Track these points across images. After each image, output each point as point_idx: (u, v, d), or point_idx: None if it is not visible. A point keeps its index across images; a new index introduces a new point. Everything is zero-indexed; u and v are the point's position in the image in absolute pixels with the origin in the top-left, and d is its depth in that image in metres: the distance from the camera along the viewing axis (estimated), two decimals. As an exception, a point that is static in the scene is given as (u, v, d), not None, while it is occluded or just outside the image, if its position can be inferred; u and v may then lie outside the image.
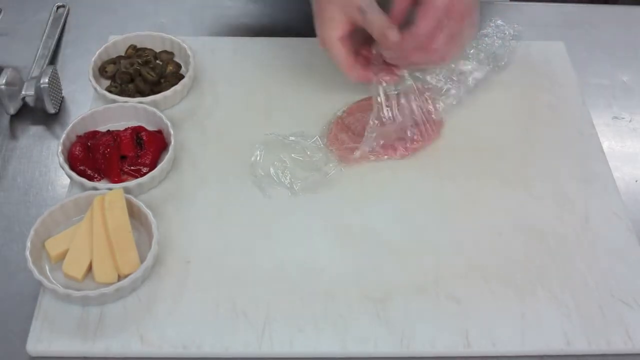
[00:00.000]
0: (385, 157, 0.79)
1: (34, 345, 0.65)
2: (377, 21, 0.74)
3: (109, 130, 0.80)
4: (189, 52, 0.87)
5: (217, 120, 0.84)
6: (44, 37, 0.93)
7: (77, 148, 0.77)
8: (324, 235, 0.74)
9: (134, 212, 0.73)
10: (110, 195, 0.72)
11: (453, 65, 0.83)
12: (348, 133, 0.80)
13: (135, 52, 0.89)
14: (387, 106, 0.78)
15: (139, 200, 0.73)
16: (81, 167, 0.76)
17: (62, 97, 0.88)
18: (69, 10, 0.99)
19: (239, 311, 0.68)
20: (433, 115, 0.82)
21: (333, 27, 0.77)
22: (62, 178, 0.79)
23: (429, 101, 0.83)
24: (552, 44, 0.94)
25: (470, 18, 0.75)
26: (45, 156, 0.82)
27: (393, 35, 0.73)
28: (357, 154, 0.79)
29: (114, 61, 0.88)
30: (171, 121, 0.80)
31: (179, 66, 0.88)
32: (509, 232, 0.74)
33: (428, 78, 0.82)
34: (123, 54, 0.89)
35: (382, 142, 0.79)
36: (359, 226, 0.74)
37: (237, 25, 0.98)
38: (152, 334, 0.66)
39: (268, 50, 0.91)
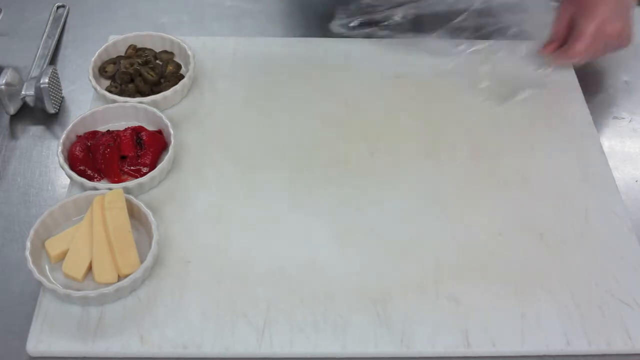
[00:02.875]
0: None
1: (34, 345, 0.65)
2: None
3: (109, 130, 0.80)
4: (189, 52, 0.87)
5: (217, 120, 0.84)
6: (44, 37, 0.93)
7: (77, 148, 0.77)
8: (324, 235, 0.74)
9: (134, 212, 0.73)
10: (110, 195, 0.72)
11: None
12: None
13: (135, 52, 0.89)
14: None
15: (139, 200, 0.73)
16: (81, 167, 0.76)
17: (62, 97, 0.88)
18: (69, 10, 0.99)
19: (239, 311, 0.68)
20: None
21: None
22: (62, 178, 0.79)
23: None
24: (552, 44, 0.94)
25: (621, 35, 0.86)
26: (45, 156, 0.82)
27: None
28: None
29: (114, 61, 0.88)
30: (171, 121, 0.80)
31: (179, 66, 0.88)
32: (509, 232, 0.74)
33: None
34: (123, 54, 0.89)
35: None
36: (359, 226, 0.74)
37: (237, 25, 0.98)
38: (152, 334, 0.66)
39: (268, 50, 0.92)
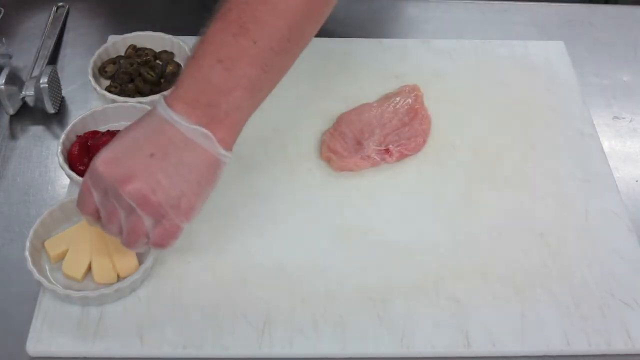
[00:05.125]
0: (382, 162, 0.79)
1: (34, 345, 0.65)
2: None
3: (109, 130, 0.80)
4: (189, 52, 0.87)
5: (217, 120, 0.84)
6: (44, 37, 0.93)
7: (77, 148, 0.77)
8: (324, 236, 0.74)
9: (134, 212, 0.73)
10: None
11: None
12: (342, 143, 0.80)
13: (135, 52, 0.89)
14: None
15: (139, 200, 0.73)
16: (81, 167, 0.76)
17: (62, 97, 0.88)
18: (69, 10, 0.99)
19: (238, 311, 0.68)
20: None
21: None
22: (62, 178, 0.79)
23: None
24: (552, 43, 0.94)
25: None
26: (45, 156, 0.82)
27: None
28: (353, 162, 0.79)
29: (114, 61, 0.88)
30: (171, 121, 0.80)
31: (179, 66, 0.88)
32: (509, 232, 0.74)
33: None
34: (123, 54, 0.89)
35: (376, 147, 0.79)
36: (359, 226, 0.74)
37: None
38: (152, 334, 0.66)
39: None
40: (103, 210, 0.62)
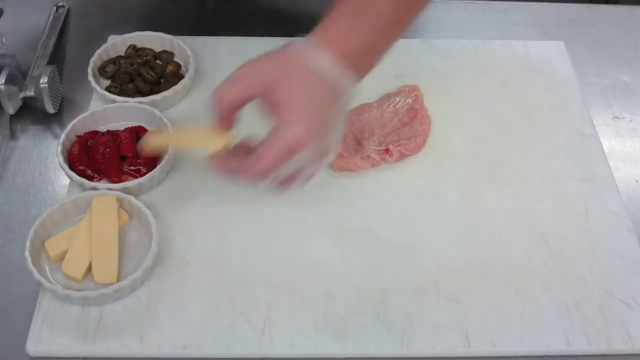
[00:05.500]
0: (382, 162, 0.79)
1: (34, 345, 0.65)
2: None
3: (108, 130, 0.80)
4: (189, 52, 0.87)
5: (217, 120, 0.84)
6: (44, 37, 0.93)
7: (77, 148, 0.77)
8: (324, 236, 0.74)
9: (134, 213, 0.73)
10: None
11: None
12: (342, 143, 0.80)
13: (135, 52, 0.89)
14: None
15: (139, 200, 0.73)
16: (81, 167, 0.76)
17: (62, 97, 0.88)
18: (69, 10, 0.99)
19: (239, 311, 0.68)
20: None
21: None
22: (62, 178, 0.79)
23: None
24: (552, 43, 0.94)
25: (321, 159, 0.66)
26: (45, 156, 0.82)
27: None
28: (353, 162, 0.78)
29: (114, 61, 0.88)
30: (171, 121, 0.80)
31: (179, 66, 0.88)
32: (509, 232, 0.74)
33: None
34: (123, 54, 0.89)
35: (376, 147, 0.79)
36: (359, 226, 0.74)
37: (237, 25, 0.98)
38: (152, 334, 0.66)
39: (268, 50, 0.91)
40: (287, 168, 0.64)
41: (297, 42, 0.66)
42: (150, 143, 0.72)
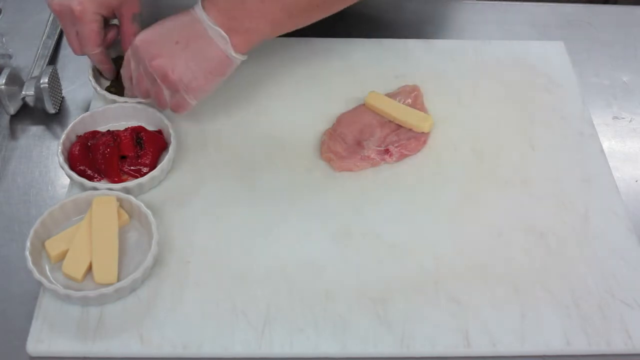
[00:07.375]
0: (382, 162, 0.79)
1: (34, 345, 0.65)
2: None
3: (109, 130, 0.80)
4: (189, 52, 0.87)
5: (217, 120, 0.84)
6: (44, 37, 0.93)
7: (77, 148, 0.77)
8: (324, 236, 0.74)
9: (134, 212, 0.73)
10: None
11: None
12: (342, 144, 0.80)
13: (135, 52, 0.89)
14: None
15: (139, 200, 0.73)
16: (81, 167, 0.76)
17: (62, 97, 0.88)
18: (69, 10, 0.98)
19: (239, 311, 0.68)
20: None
21: None
22: (62, 178, 0.79)
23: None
24: (552, 43, 0.94)
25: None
26: (45, 156, 0.82)
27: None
28: (353, 163, 0.79)
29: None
30: (171, 121, 0.80)
31: (179, 66, 0.88)
32: (509, 232, 0.74)
33: None
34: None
35: (376, 148, 0.79)
36: (359, 226, 0.74)
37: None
38: (152, 334, 0.66)
39: (268, 50, 0.91)
40: (135, 75, 0.77)
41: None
42: None
